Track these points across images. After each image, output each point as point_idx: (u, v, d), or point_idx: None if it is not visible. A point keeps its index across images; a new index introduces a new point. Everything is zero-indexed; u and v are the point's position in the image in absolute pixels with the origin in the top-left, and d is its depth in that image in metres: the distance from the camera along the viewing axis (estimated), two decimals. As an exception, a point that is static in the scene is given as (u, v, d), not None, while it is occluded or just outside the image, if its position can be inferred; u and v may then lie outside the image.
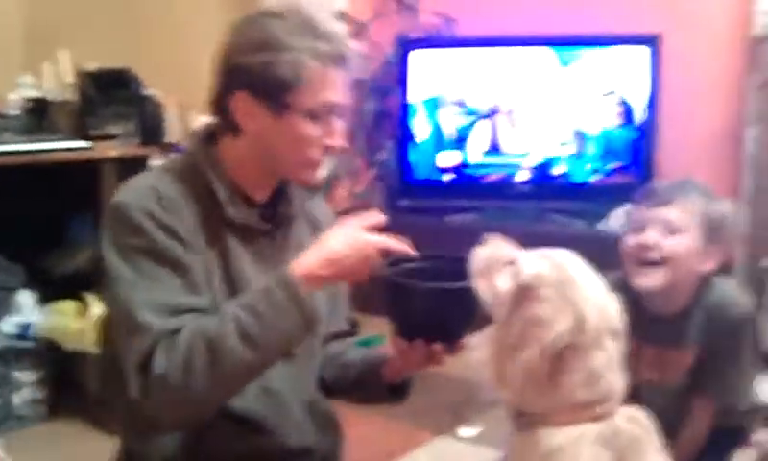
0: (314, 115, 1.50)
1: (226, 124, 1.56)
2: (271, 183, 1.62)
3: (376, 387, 1.68)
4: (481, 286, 1.37)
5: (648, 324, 1.89)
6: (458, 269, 1.43)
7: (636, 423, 1.30)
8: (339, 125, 1.54)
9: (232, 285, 1.53)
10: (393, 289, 1.49)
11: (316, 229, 1.70)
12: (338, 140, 1.54)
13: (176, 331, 1.39)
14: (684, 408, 1.94)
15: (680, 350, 1.93)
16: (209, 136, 1.60)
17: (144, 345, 1.39)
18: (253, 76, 1.49)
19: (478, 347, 1.35)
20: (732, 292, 1.94)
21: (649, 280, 1.86)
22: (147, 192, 1.48)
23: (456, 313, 1.46)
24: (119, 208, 1.48)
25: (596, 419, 1.28)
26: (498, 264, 1.37)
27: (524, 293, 1.31)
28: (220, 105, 1.55)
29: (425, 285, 1.47)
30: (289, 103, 1.49)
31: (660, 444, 1.32)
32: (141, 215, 1.45)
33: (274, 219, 1.62)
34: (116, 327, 1.47)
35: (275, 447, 1.60)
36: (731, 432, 2.01)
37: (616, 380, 1.30)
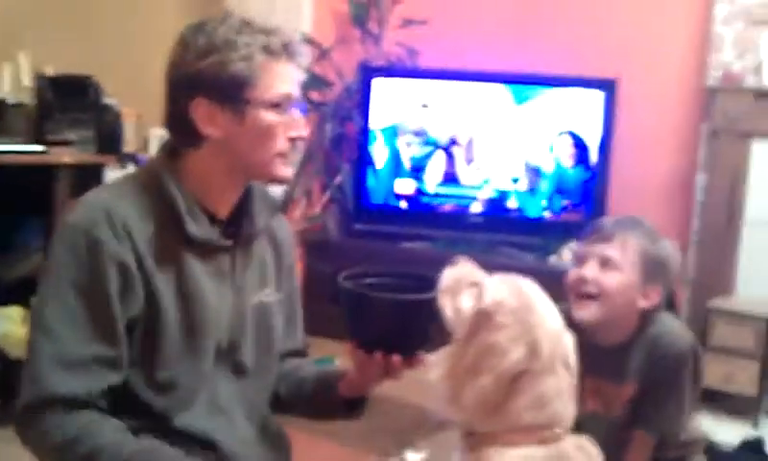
0: (273, 106, 1.51)
1: (185, 137, 1.54)
2: (232, 196, 1.62)
3: (332, 402, 1.67)
4: (446, 303, 1.39)
5: (590, 355, 1.80)
6: (416, 284, 1.46)
7: (583, 451, 1.33)
8: (299, 115, 1.56)
9: (188, 299, 1.53)
10: (354, 300, 1.49)
11: (277, 247, 1.72)
12: (301, 130, 1.55)
13: (72, 401, 1.42)
14: (625, 440, 1.96)
15: (620, 382, 1.96)
16: (174, 150, 1.60)
17: (31, 397, 1.42)
18: (207, 80, 1.49)
19: (435, 364, 1.38)
20: (675, 327, 1.98)
21: (585, 313, 1.89)
22: (98, 214, 1.47)
23: (415, 325, 1.47)
24: (66, 230, 1.48)
25: (543, 442, 1.30)
26: (463, 284, 1.39)
27: (483, 319, 1.33)
28: (176, 118, 1.54)
29: (387, 296, 1.48)
30: (248, 99, 1.49)
31: None
32: (85, 245, 1.45)
33: (236, 236, 1.62)
34: (27, 348, 1.48)
35: None
36: None
37: (564, 408, 1.32)
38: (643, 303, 1.92)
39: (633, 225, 1.95)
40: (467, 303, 1.37)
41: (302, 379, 1.73)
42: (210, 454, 1.56)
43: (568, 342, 1.36)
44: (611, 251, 1.89)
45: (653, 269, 1.91)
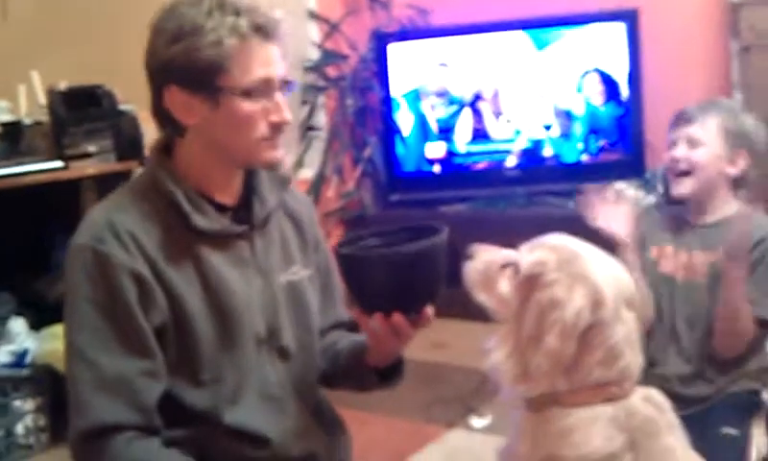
0: (249, 93, 1.44)
1: (168, 127, 1.49)
2: (234, 181, 1.57)
3: (363, 373, 1.63)
4: (484, 299, 1.35)
5: (687, 232, 2.15)
6: (410, 237, 1.41)
7: (652, 403, 1.28)
8: (280, 99, 1.47)
9: (214, 292, 1.48)
10: (344, 263, 1.45)
11: (297, 223, 1.66)
12: (282, 115, 1.47)
13: (121, 426, 1.39)
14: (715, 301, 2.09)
15: (708, 251, 2.12)
16: (165, 147, 1.55)
17: (80, 428, 1.40)
18: (178, 68, 1.42)
19: (494, 348, 1.31)
20: (766, 220, 2.14)
21: (681, 188, 2.12)
22: (102, 229, 1.43)
23: (407, 280, 1.39)
24: (74, 253, 1.44)
25: (611, 399, 1.25)
26: (494, 270, 1.35)
27: (530, 284, 1.28)
28: (157, 108, 1.48)
29: (371, 253, 1.43)
30: (220, 86, 1.42)
31: (674, 422, 1.29)
32: (94, 263, 1.41)
33: (249, 221, 1.57)
34: (67, 378, 1.45)
35: (276, 457, 1.54)
36: (747, 396, 2.06)
37: (634, 357, 1.27)
38: (732, 170, 2.13)
39: (712, 105, 2.18)
40: (505, 286, 1.31)
41: (338, 352, 1.69)
42: (263, 451, 1.52)
43: (626, 279, 1.30)
44: (693, 130, 2.11)
45: (734, 138, 2.12)
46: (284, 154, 1.56)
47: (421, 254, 1.37)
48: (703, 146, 2.11)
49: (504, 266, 1.33)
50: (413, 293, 1.41)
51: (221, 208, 1.53)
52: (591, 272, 1.26)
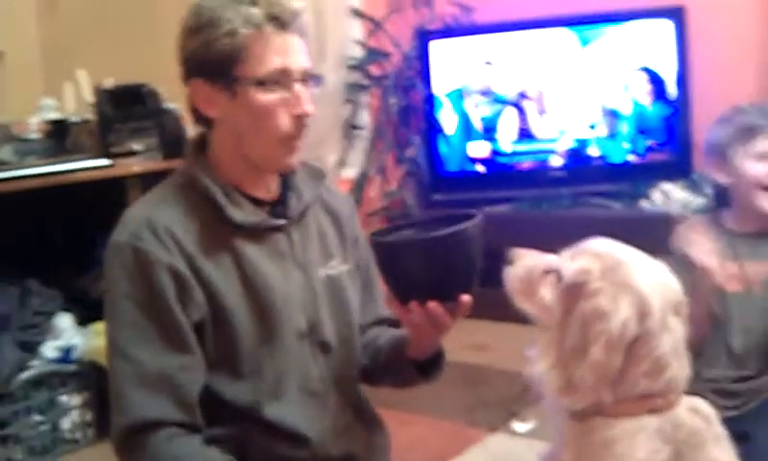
0: (264, 83, 1.44)
1: (198, 120, 1.52)
2: (269, 176, 1.57)
3: (404, 367, 1.63)
4: (525, 306, 1.33)
5: (735, 243, 2.11)
6: (444, 224, 1.40)
7: (698, 414, 1.25)
8: (301, 90, 1.48)
9: (252, 286, 1.49)
10: (379, 251, 1.45)
11: (336, 219, 1.67)
12: (302, 106, 1.47)
13: (157, 424, 1.40)
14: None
15: (761, 261, 2.09)
16: (201, 144, 1.56)
17: (123, 424, 1.42)
18: (198, 60, 1.46)
19: (537, 358, 1.29)
20: None
21: None
22: (140, 226, 1.45)
23: (440, 265, 1.38)
24: (114, 250, 1.47)
25: (656, 410, 1.23)
26: (536, 277, 1.32)
27: (574, 293, 1.25)
28: (188, 102, 1.52)
29: (401, 239, 1.43)
30: (237, 76, 1.44)
31: (721, 434, 1.27)
32: (133, 260, 1.43)
33: (285, 214, 1.57)
34: (110, 376, 1.47)
35: (314, 457, 1.54)
36: None
37: (681, 368, 1.24)
38: None
39: None
40: (548, 293, 1.28)
41: (379, 348, 1.69)
42: (302, 450, 1.53)
43: (672, 284, 1.27)
44: None
45: None
46: (302, 155, 1.57)
47: (454, 239, 1.36)
48: None
49: (546, 272, 1.31)
50: (447, 279, 1.40)
51: (257, 203, 1.54)
52: (637, 280, 1.23)
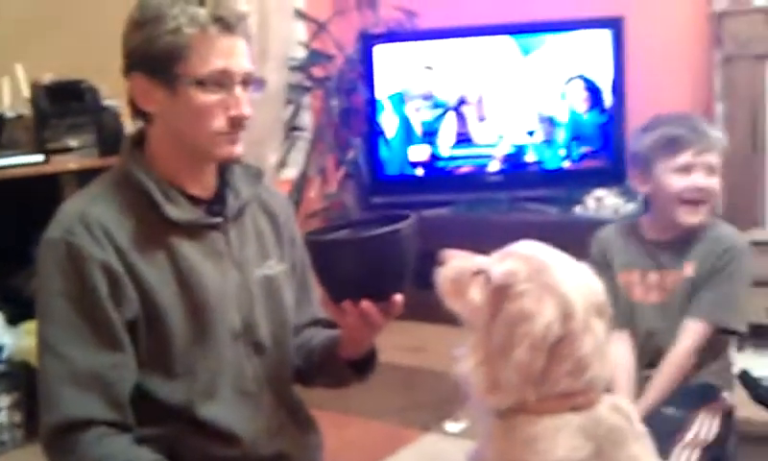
0: (205, 84, 1.45)
1: (136, 114, 1.52)
2: (206, 174, 1.57)
3: (337, 367, 1.64)
4: (455, 306, 1.34)
5: (651, 253, 2.13)
6: (377, 224, 1.42)
7: (619, 412, 1.28)
8: (240, 93, 1.48)
9: (187, 284, 1.49)
10: (313, 250, 1.47)
11: (273, 218, 1.67)
12: (240, 109, 1.48)
13: (86, 423, 1.39)
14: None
15: (680, 268, 2.10)
16: (138, 141, 1.56)
17: (51, 422, 1.40)
18: (140, 54, 1.46)
19: (464, 357, 1.31)
20: (731, 230, 2.16)
21: (696, 217, 2.07)
22: (73, 222, 1.44)
23: (373, 265, 1.40)
24: (46, 246, 1.46)
25: (578, 408, 1.25)
26: (466, 278, 1.34)
27: (500, 294, 1.27)
28: (129, 96, 1.51)
29: (335, 238, 1.45)
30: (178, 74, 1.44)
31: (641, 431, 1.30)
32: (66, 254, 1.42)
33: (223, 213, 1.57)
34: (39, 372, 1.46)
35: (246, 457, 1.54)
36: (701, 387, 2.07)
37: (602, 368, 1.27)
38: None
39: (710, 125, 2.14)
40: (477, 294, 1.31)
41: (313, 348, 1.70)
42: (234, 450, 1.53)
43: (596, 287, 1.30)
44: (714, 158, 2.06)
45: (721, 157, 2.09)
46: (243, 150, 1.57)
47: (387, 239, 1.38)
48: (716, 174, 2.06)
49: (476, 274, 1.33)
50: (380, 278, 1.41)
51: (194, 201, 1.54)
52: (561, 283, 1.25)
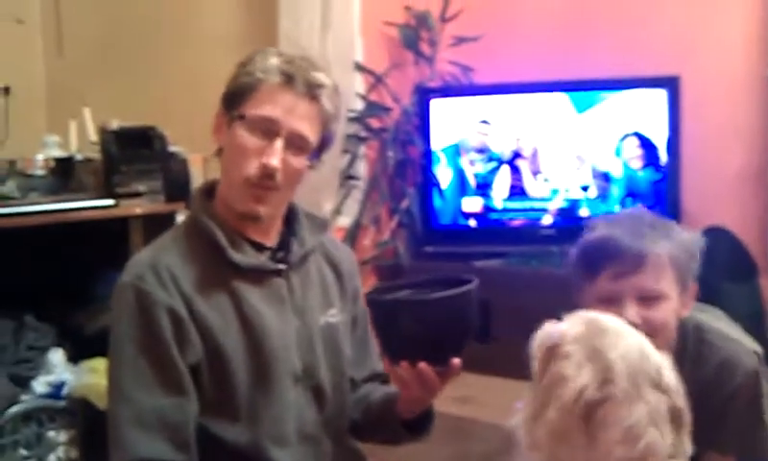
0: (253, 127, 1.52)
1: (219, 150, 1.63)
2: (272, 223, 1.63)
3: (393, 425, 1.66)
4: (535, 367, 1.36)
5: None
6: (446, 288, 1.44)
7: None
8: (279, 146, 1.54)
9: (248, 326, 1.54)
10: (374, 308, 1.50)
11: (337, 270, 1.71)
12: (270, 158, 1.53)
13: None
14: None
15: None
16: (208, 190, 1.63)
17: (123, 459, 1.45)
18: (225, 90, 1.60)
19: (518, 410, 1.33)
20: (732, 343, 1.77)
21: None
22: (144, 268, 1.52)
23: (433, 328, 1.41)
24: (118, 291, 1.54)
25: None
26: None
27: (550, 354, 1.29)
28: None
29: (399, 298, 1.45)
30: (237, 111, 1.55)
31: None
32: (135, 299, 1.49)
33: (286, 259, 1.62)
34: (108, 415, 1.51)
35: None
36: None
37: (661, 436, 1.24)
38: (684, 312, 1.73)
39: (650, 231, 1.67)
40: (539, 354, 1.33)
41: (370, 403, 1.72)
42: None
43: (656, 360, 1.29)
44: (649, 282, 1.64)
45: (685, 271, 1.68)
46: (299, 198, 1.64)
47: (449, 303, 1.40)
48: (660, 301, 1.65)
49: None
50: (439, 342, 1.44)
51: (259, 247, 1.60)
52: (610, 349, 1.25)
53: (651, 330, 1.49)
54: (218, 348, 1.51)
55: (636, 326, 1.46)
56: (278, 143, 1.53)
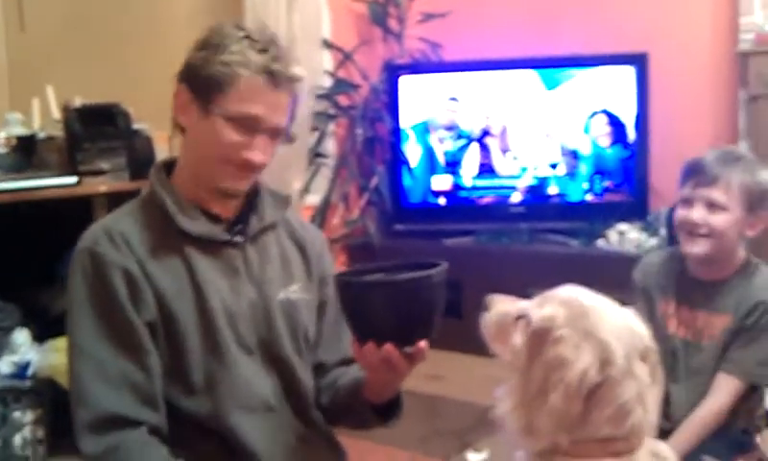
0: (234, 122, 1.51)
1: (174, 122, 1.61)
2: (223, 197, 1.62)
3: (361, 409, 1.66)
4: (499, 350, 1.35)
5: (689, 288, 2.12)
6: (415, 271, 1.43)
7: (658, 457, 1.27)
8: (262, 141, 1.55)
9: (200, 294, 1.54)
10: (342, 290, 1.48)
11: (303, 251, 1.71)
12: (255, 155, 1.55)
13: (123, 421, 1.44)
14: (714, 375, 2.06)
15: (714, 313, 2.09)
16: (166, 167, 1.64)
17: (84, 419, 1.45)
18: (192, 70, 1.55)
19: (502, 399, 1.32)
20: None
21: (695, 249, 2.06)
22: (98, 234, 1.53)
23: (401, 310, 1.41)
24: (74, 257, 1.53)
25: (618, 454, 1.23)
26: (509, 322, 1.34)
27: (539, 339, 1.27)
28: (172, 103, 1.61)
29: (367, 280, 1.46)
30: (214, 103, 1.52)
31: None
32: (90, 263, 1.50)
33: (244, 232, 1.62)
34: (69, 377, 1.51)
35: None
36: (738, 434, 2.08)
37: (645, 414, 1.24)
38: (750, 233, 2.08)
39: (733, 161, 2.06)
40: (518, 339, 1.31)
41: (339, 388, 1.72)
42: None
43: (638, 329, 1.28)
44: (716, 194, 2.03)
45: (756, 200, 2.04)
46: (267, 176, 1.63)
47: (417, 285, 1.39)
48: (723, 211, 2.03)
49: (518, 318, 1.33)
50: (407, 323, 1.42)
51: (216, 219, 1.59)
52: (601, 328, 1.24)
53: (710, 231, 2.02)
54: (171, 313, 1.51)
55: (698, 225, 2.03)
56: (261, 139, 1.54)
